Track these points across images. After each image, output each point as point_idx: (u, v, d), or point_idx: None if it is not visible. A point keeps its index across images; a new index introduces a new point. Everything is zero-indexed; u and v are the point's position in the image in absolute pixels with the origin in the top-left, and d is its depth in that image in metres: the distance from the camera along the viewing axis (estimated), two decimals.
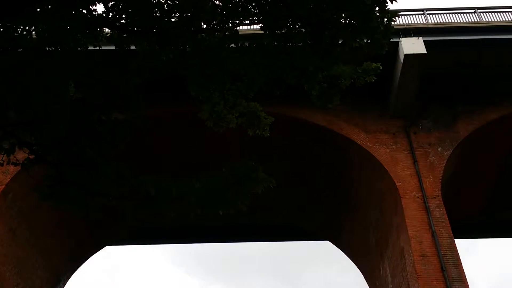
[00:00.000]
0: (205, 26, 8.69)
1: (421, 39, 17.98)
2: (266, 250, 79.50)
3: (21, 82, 7.05)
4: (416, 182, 16.98)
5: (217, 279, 70.55)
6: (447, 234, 15.64)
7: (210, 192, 7.77)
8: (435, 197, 16.61)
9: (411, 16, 20.02)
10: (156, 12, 8.31)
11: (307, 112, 18.81)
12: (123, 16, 8.30)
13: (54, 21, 7.63)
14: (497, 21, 19.59)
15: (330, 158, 19.97)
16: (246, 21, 8.75)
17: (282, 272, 69.22)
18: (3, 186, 16.82)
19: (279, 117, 16.25)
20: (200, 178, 7.89)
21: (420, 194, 16.64)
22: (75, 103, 7.59)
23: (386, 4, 8.33)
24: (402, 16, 19.77)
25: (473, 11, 20.17)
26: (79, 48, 8.17)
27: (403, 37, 18.14)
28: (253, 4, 8.42)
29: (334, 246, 24.28)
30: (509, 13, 19.95)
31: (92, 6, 8.08)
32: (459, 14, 20.19)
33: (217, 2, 8.57)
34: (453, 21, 19.93)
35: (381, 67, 9.74)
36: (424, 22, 19.78)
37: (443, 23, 19.72)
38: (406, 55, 17.65)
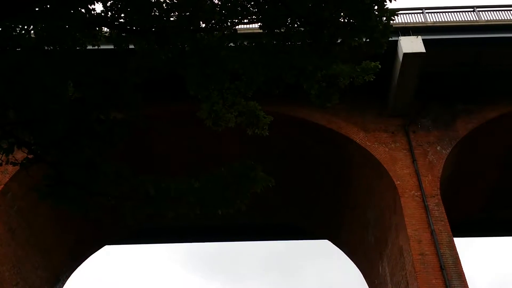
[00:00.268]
0: (204, 25, 8.69)
1: (420, 37, 17.98)
2: (265, 249, 79.57)
3: (20, 81, 7.04)
4: (415, 181, 16.98)
5: (216, 277, 70.60)
6: (446, 233, 15.65)
7: (209, 191, 7.77)
8: (434, 196, 16.62)
9: (410, 14, 20.02)
10: (155, 11, 8.31)
11: (306, 111, 18.80)
12: (122, 15, 8.30)
13: (52, 21, 7.63)
14: (496, 20, 19.59)
15: (329, 157, 19.97)
16: (245, 20, 8.75)
17: (281, 271, 69.28)
18: (2, 186, 16.80)
19: (278, 116, 16.24)
20: (199, 178, 7.89)
21: (419, 193, 16.65)
22: (74, 103, 7.58)
23: (385, 3, 8.34)
24: (401, 15, 19.76)
25: (472, 9, 20.17)
26: (77, 48, 8.17)
27: (402, 36, 18.13)
28: (252, 3, 8.43)
29: (333, 245, 24.30)
30: (508, 11, 19.95)
31: (90, 5, 8.08)
32: (458, 13, 20.19)
33: (216, 1, 8.57)
34: (452, 19, 19.93)
35: (380, 66, 9.74)
36: (423, 20, 19.77)
37: (442, 21, 19.71)
38: (405, 54, 17.65)
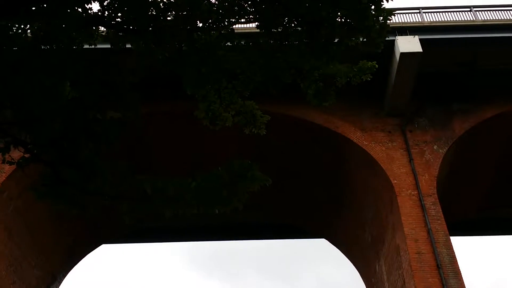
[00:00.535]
0: (201, 24, 8.68)
1: (417, 37, 18.01)
2: (263, 247, 79.62)
3: (17, 81, 7.03)
4: (411, 180, 17.03)
5: (214, 275, 70.64)
6: (443, 232, 15.71)
7: (206, 191, 7.76)
8: (430, 195, 16.67)
9: (407, 14, 20.06)
10: (152, 10, 8.30)
11: (303, 111, 18.82)
12: (119, 14, 8.29)
13: (49, 20, 7.62)
14: (493, 20, 19.64)
15: (326, 156, 20.00)
16: (242, 20, 8.75)
17: (279, 269, 69.32)
18: None
19: (275, 116, 16.22)
20: (196, 177, 7.88)
21: (415, 192, 16.69)
22: (71, 102, 7.57)
23: (382, 3, 8.36)
24: (398, 15, 19.79)
25: (469, 9, 20.22)
26: (74, 47, 8.15)
27: (399, 35, 18.17)
28: (249, 2, 8.43)
29: (330, 243, 24.33)
30: (505, 11, 20.01)
31: (87, 5, 8.06)
32: (455, 13, 20.23)
33: (213, 1, 8.56)
34: (449, 19, 19.98)
35: (377, 66, 9.76)
36: (420, 20, 19.81)
37: (439, 21, 19.76)
38: (402, 54, 17.69)
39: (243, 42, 9.08)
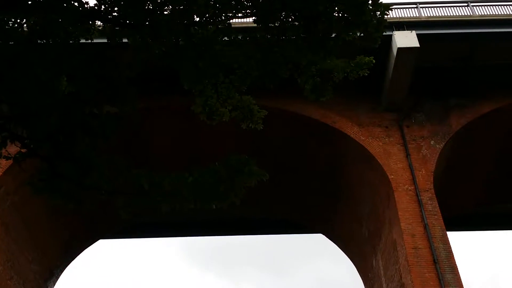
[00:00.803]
0: (198, 19, 8.64)
1: (414, 32, 18.00)
2: (260, 242, 79.76)
3: (13, 75, 7.01)
4: (408, 175, 17.05)
5: (210, 269, 70.78)
6: (439, 227, 15.74)
7: (203, 185, 7.77)
8: (427, 190, 16.69)
9: (404, 9, 20.04)
10: (149, 5, 8.26)
11: (300, 106, 18.80)
12: (115, 9, 8.24)
13: (45, 14, 7.58)
14: (490, 15, 19.63)
15: (323, 151, 20.00)
16: (239, 14, 8.72)
17: (274, 263, 69.47)
18: None
19: (273, 111, 16.24)
20: (193, 172, 7.88)
21: (412, 187, 16.72)
22: (67, 97, 7.55)
23: None
24: (395, 10, 19.79)
25: (466, 4, 20.21)
26: (71, 41, 8.11)
27: (396, 30, 18.15)
28: None
29: (327, 238, 24.38)
30: (502, 6, 20.01)
31: None
32: (452, 8, 20.23)
33: None
34: (446, 14, 19.97)
35: (374, 61, 9.74)
36: (417, 15, 19.79)
37: (436, 16, 19.75)
38: (399, 49, 17.68)
39: (240, 37, 9.05)
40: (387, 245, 17.40)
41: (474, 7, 20.02)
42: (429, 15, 19.85)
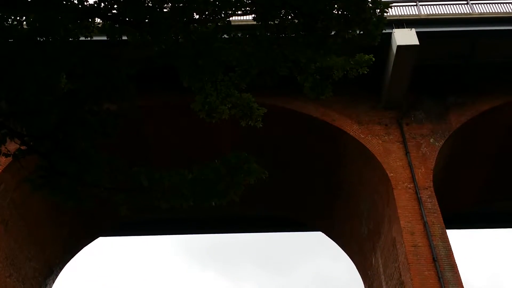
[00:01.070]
0: (197, 16, 8.64)
1: (413, 30, 17.98)
2: (260, 240, 79.81)
3: (12, 72, 7.00)
4: (408, 173, 17.06)
5: (211, 266, 70.85)
6: (439, 225, 15.75)
7: (202, 183, 7.76)
8: (427, 188, 16.70)
9: (403, 7, 20.03)
10: (148, 2, 8.26)
11: (300, 103, 18.81)
12: (115, 6, 8.24)
13: (45, 11, 7.57)
14: (490, 13, 19.62)
15: (323, 149, 20.00)
16: (239, 12, 8.72)
17: (273, 261, 69.54)
18: None
19: (272, 108, 16.23)
20: (192, 169, 7.88)
21: (412, 185, 16.72)
22: (67, 94, 7.54)
23: None
24: (395, 7, 19.77)
25: (465, 2, 20.20)
26: (70, 39, 8.10)
27: (395, 28, 18.13)
28: None
29: (326, 236, 24.39)
30: (501, 4, 20.00)
31: None
32: (451, 5, 20.21)
33: None
34: (445, 12, 19.95)
35: (373, 59, 9.75)
36: (417, 13, 19.78)
37: (435, 14, 19.73)
38: (399, 47, 17.66)
39: (239, 34, 9.04)
40: (386, 243, 17.41)
41: (474, 5, 20.00)
42: (428, 13, 19.84)
